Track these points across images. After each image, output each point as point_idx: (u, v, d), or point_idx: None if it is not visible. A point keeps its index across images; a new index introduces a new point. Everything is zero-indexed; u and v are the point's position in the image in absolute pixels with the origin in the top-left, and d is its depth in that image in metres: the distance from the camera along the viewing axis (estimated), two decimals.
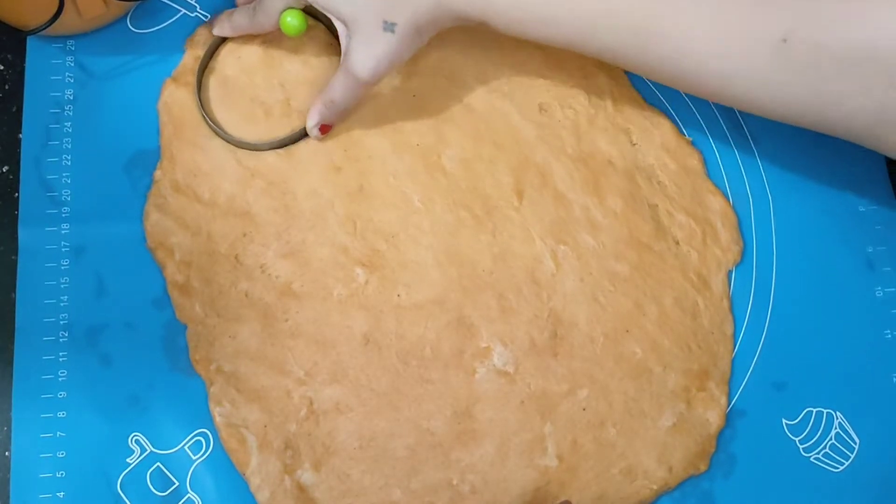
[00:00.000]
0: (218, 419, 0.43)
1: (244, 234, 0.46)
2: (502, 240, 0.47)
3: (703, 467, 0.45)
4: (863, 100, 0.39)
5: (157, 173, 0.47)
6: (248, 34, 0.49)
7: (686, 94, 0.52)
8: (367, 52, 0.43)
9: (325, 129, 0.47)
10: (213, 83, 0.48)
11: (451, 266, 0.46)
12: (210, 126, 0.47)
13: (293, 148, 0.48)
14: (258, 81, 0.48)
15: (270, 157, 0.47)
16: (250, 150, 0.47)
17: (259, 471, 0.43)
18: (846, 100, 0.39)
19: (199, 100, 0.48)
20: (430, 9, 0.43)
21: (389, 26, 0.43)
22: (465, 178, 0.48)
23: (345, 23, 0.43)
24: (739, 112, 0.52)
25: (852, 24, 0.38)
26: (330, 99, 0.46)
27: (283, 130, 0.48)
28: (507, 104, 0.50)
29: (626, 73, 0.52)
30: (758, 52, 0.39)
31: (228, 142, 0.47)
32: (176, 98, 0.48)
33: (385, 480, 0.43)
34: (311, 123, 0.47)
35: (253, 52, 0.49)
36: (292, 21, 0.46)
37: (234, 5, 0.50)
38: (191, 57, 0.49)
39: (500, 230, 0.47)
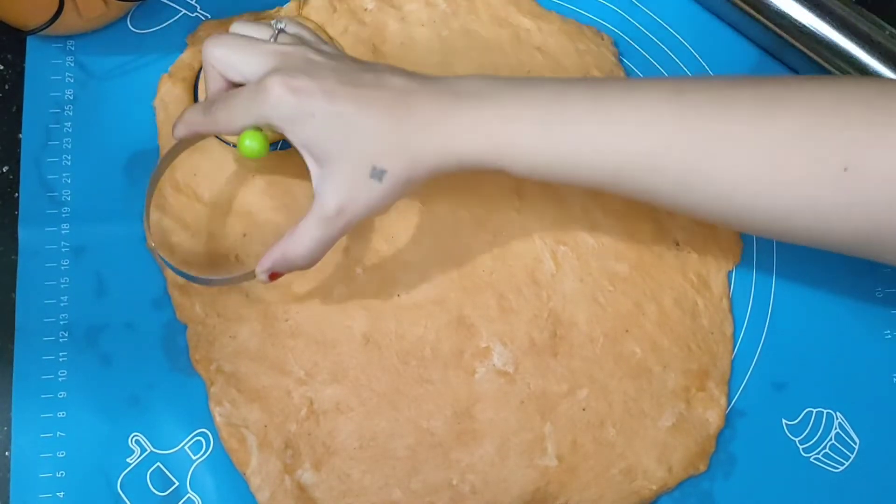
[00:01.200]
0: (218, 419, 0.43)
1: (244, 235, 0.46)
2: (502, 240, 0.47)
3: (702, 467, 0.45)
4: None
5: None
6: (203, 135, 0.42)
7: None
8: (346, 199, 0.37)
9: (275, 276, 0.40)
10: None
11: (451, 266, 0.46)
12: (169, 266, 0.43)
13: (294, 148, 0.48)
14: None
15: (270, 157, 0.47)
16: (201, 284, 0.43)
17: (259, 470, 0.43)
18: None
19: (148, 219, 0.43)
20: (432, 158, 0.37)
21: (378, 173, 0.37)
22: (464, 179, 0.48)
23: (320, 161, 0.37)
24: None
25: None
26: (293, 251, 0.38)
27: None
28: None
29: (627, 75, 0.52)
30: (818, 184, 0.35)
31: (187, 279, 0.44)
32: (172, 95, 0.48)
33: (385, 480, 0.43)
34: (263, 269, 0.39)
35: None
36: (251, 144, 0.39)
37: (236, 5, 0.50)
38: (190, 53, 0.49)
39: (500, 230, 0.47)
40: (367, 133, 0.36)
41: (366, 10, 0.51)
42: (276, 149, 0.48)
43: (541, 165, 0.38)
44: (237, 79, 0.39)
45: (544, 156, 0.37)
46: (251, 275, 0.41)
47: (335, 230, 0.38)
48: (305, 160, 0.38)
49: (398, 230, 0.47)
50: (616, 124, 0.37)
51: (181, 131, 0.41)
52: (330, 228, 0.38)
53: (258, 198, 0.46)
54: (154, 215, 0.46)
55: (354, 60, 0.40)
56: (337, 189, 0.37)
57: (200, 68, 0.48)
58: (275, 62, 0.37)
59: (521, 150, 0.37)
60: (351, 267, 0.46)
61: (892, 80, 0.37)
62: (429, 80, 0.38)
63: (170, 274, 0.45)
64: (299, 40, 0.40)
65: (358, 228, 0.46)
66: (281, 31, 0.40)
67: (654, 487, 0.44)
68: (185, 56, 0.49)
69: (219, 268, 0.45)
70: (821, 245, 0.38)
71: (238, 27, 0.41)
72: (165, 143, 0.47)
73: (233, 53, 0.38)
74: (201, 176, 0.47)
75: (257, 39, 0.39)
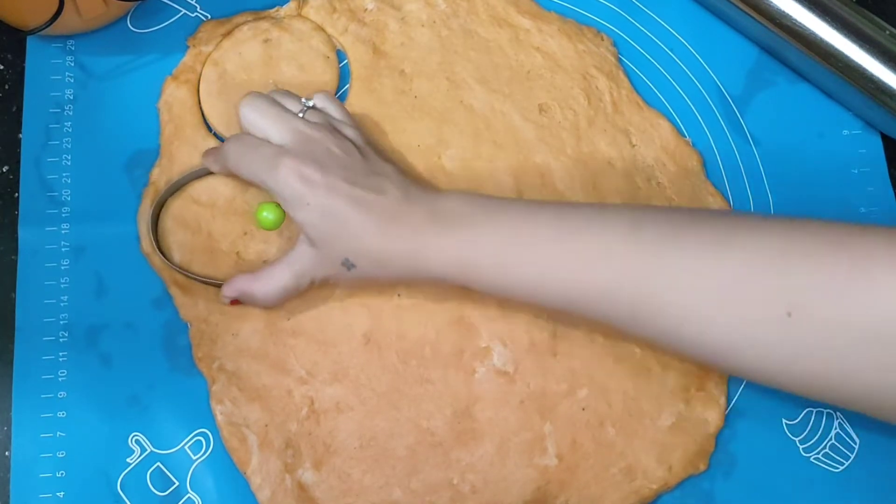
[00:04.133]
0: (219, 418, 0.43)
1: (245, 233, 0.46)
2: None
3: (702, 467, 0.45)
4: (880, 375, 0.35)
5: (155, 172, 0.47)
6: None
7: (686, 95, 0.52)
8: (317, 271, 0.42)
9: (236, 303, 0.44)
10: (212, 75, 0.48)
11: None
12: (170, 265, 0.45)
13: None
14: (254, 78, 0.48)
15: None
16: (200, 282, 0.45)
17: (260, 470, 0.43)
18: (862, 375, 0.35)
19: (155, 234, 0.45)
20: (400, 269, 0.41)
21: (349, 265, 0.41)
22: (465, 178, 0.48)
23: (308, 237, 0.41)
24: (740, 113, 0.52)
25: (860, 299, 0.35)
26: (260, 290, 0.43)
27: None
28: (507, 105, 0.50)
29: (627, 75, 0.52)
30: (763, 324, 0.36)
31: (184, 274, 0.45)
32: (177, 97, 0.48)
33: (385, 480, 0.43)
34: (226, 295, 0.43)
35: (254, 49, 0.49)
36: (268, 216, 0.44)
37: (236, 5, 0.50)
38: (192, 55, 0.49)
39: None
40: (350, 231, 0.40)
41: (366, 10, 0.51)
42: None
43: (501, 288, 0.41)
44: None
45: (505, 280, 0.40)
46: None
47: (302, 285, 0.43)
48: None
49: None
50: (574, 253, 0.39)
51: (214, 167, 0.45)
52: (298, 282, 0.42)
53: (259, 197, 0.46)
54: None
55: (365, 156, 0.42)
56: (312, 259, 0.42)
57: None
58: (294, 140, 0.41)
59: (484, 273, 0.41)
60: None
61: (836, 225, 0.37)
62: (416, 198, 0.41)
63: (168, 274, 0.45)
64: (326, 118, 0.43)
65: None
66: (310, 108, 0.43)
67: (654, 487, 0.44)
68: (188, 59, 0.49)
69: (221, 266, 0.45)
70: (771, 385, 0.39)
71: (274, 94, 0.44)
72: (167, 144, 0.47)
73: (262, 119, 0.42)
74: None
75: (287, 111, 0.42)
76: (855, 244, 0.36)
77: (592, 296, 0.39)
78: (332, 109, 0.44)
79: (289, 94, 0.44)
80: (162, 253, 0.45)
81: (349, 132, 0.43)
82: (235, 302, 0.44)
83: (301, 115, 0.43)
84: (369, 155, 0.42)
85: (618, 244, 0.39)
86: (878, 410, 0.37)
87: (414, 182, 0.43)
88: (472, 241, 0.40)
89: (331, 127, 0.43)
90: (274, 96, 0.44)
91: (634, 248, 0.39)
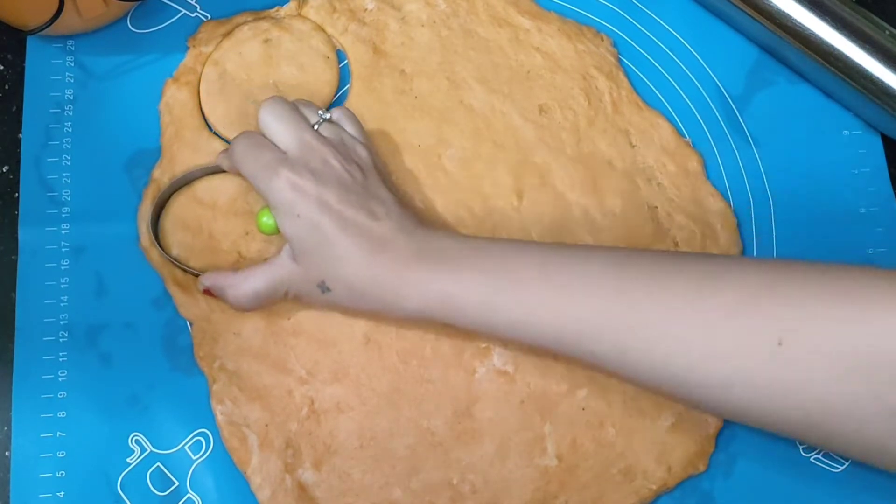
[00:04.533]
0: (219, 417, 0.43)
1: (246, 233, 0.46)
2: None
3: (702, 467, 0.45)
4: (874, 406, 0.34)
5: (157, 172, 0.47)
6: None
7: (686, 96, 0.52)
8: (293, 286, 0.42)
9: (209, 294, 0.44)
10: (212, 75, 0.48)
11: None
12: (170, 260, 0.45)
13: None
14: (255, 78, 0.48)
15: None
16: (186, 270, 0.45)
17: (260, 469, 0.43)
18: (854, 408, 0.35)
19: (158, 241, 0.45)
20: (379, 304, 0.41)
21: (324, 287, 0.41)
22: (465, 178, 0.48)
23: (292, 248, 0.41)
24: (740, 113, 0.52)
25: (851, 327, 0.34)
26: (234, 289, 0.42)
27: None
28: (507, 105, 0.50)
29: (627, 75, 0.52)
30: (754, 356, 0.36)
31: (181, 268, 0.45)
32: (177, 99, 0.48)
33: (385, 480, 0.43)
34: (203, 283, 0.43)
35: (254, 49, 0.49)
36: (269, 221, 0.43)
37: (236, 5, 0.50)
38: (192, 57, 0.49)
39: (500, 230, 0.47)
40: (334, 252, 0.40)
41: (366, 9, 0.51)
42: None
43: (486, 326, 0.40)
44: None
45: (490, 319, 0.40)
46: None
47: (277, 295, 0.42)
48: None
49: None
50: (560, 292, 0.39)
51: (224, 163, 0.45)
52: (272, 291, 0.42)
53: (260, 197, 0.46)
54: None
55: (366, 178, 0.42)
56: (290, 272, 0.41)
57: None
58: (298, 149, 0.41)
59: (466, 311, 0.40)
60: None
61: (826, 264, 0.37)
62: (408, 230, 0.41)
63: (167, 271, 0.45)
64: (340, 133, 0.43)
65: None
66: (325, 120, 0.43)
67: (654, 487, 0.44)
68: (188, 59, 0.49)
69: (222, 266, 0.45)
70: (762, 424, 0.38)
71: (298, 102, 0.44)
72: (168, 146, 0.47)
73: (274, 122, 0.42)
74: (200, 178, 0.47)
75: (301, 120, 0.42)
76: (844, 278, 0.36)
77: (580, 335, 0.39)
78: (348, 125, 0.44)
79: (310, 104, 0.44)
80: (161, 248, 0.45)
81: (360, 151, 0.43)
82: (208, 292, 0.43)
83: (315, 126, 0.42)
84: (371, 178, 0.42)
85: (605, 282, 0.39)
86: (876, 453, 0.36)
87: (409, 215, 0.42)
88: (457, 278, 0.40)
89: (341, 143, 0.42)
90: (296, 104, 0.44)
91: (621, 285, 0.38)
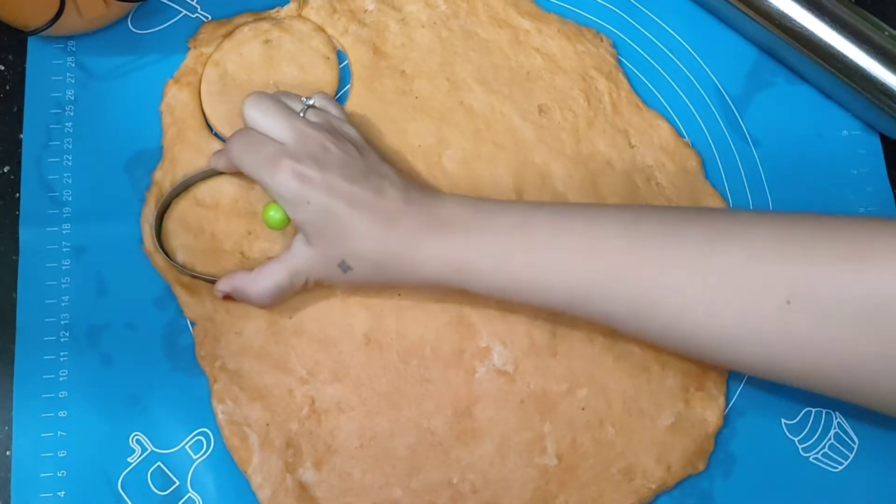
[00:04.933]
0: (220, 417, 0.43)
1: (249, 233, 0.46)
2: None
3: (701, 467, 0.45)
4: (880, 361, 0.35)
5: (158, 174, 0.47)
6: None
7: (685, 96, 0.53)
8: (312, 269, 0.42)
9: (229, 299, 0.44)
10: (213, 76, 0.48)
11: None
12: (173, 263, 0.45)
13: None
14: (255, 78, 0.49)
15: None
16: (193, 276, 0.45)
17: (260, 469, 0.43)
18: (861, 361, 0.35)
19: (160, 242, 0.45)
20: (397, 273, 0.41)
21: (345, 266, 0.41)
22: (465, 178, 0.48)
23: (307, 235, 0.41)
24: (739, 114, 0.52)
25: (858, 281, 0.35)
26: (253, 287, 0.43)
27: None
28: (507, 106, 0.50)
29: (626, 76, 0.52)
30: (763, 314, 0.36)
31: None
32: (178, 99, 0.48)
33: (386, 479, 0.43)
34: (220, 290, 0.44)
35: (255, 50, 0.49)
36: (275, 215, 0.43)
37: (237, 6, 0.50)
38: (193, 57, 0.49)
39: None
40: (349, 232, 0.40)
41: (366, 10, 0.51)
42: None
43: (500, 290, 0.41)
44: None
45: (502, 281, 0.41)
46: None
47: (297, 284, 0.43)
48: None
49: None
50: (572, 252, 0.40)
51: (220, 164, 0.45)
52: (293, 281, 0.42)
53: (261, 197, 0.46)
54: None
55: (364, 155, 0.42)
56: (308, 259, 0.42)
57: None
58: (295, 139, 0.41)
59: (482, 276, 0.41)
60: None
61: (834, 217, 0.38)
62: (415, 200, 0.41)
63: (172, 274, 0.45)
64: (326, 117, 0.43)
65: None
66: (310, 106, 0.43)
67: (653, 486, 0.44)
68: (189, 60, 0.49)
69: (225, 266, 0.45)
70: (771, 377, 0.39)
71: (278, 93, 0.44)
72: (170, 147, 0.47)
73: (264, 117, 0.42)
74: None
75: (288, 110, 0.42)
76: (852, 232, 0.36)
77: (592, 294, 0.39)
78: (332, 109, 0.45)
79: (291, 94, 0.45)
80: (165, 253, 0.45)
81: (349, 131, 0.43)
82: (228, 297, 0.44)
83: (302, 114, 0.43)
84: (368, 155, 0.43)
85: (616, 241, 0.39)
86: (879, 399, 0.37)
87: (413, 184, 0.43)
88: (470, 244, 0.40)
89: (331, 126, 0.43)
90: (277, 95, 0.44)
91: (632, 243, 0.39)
